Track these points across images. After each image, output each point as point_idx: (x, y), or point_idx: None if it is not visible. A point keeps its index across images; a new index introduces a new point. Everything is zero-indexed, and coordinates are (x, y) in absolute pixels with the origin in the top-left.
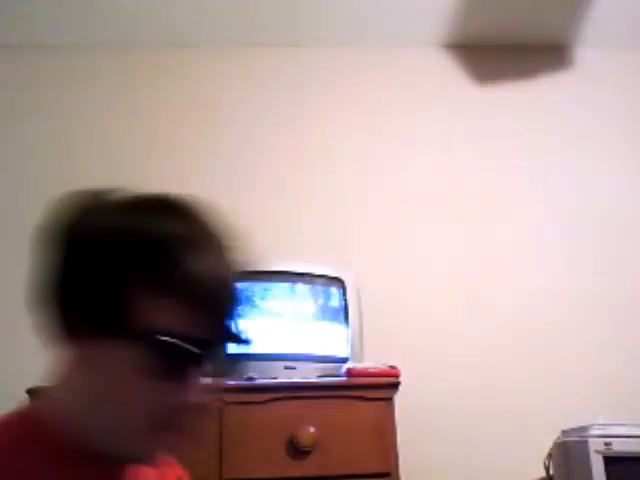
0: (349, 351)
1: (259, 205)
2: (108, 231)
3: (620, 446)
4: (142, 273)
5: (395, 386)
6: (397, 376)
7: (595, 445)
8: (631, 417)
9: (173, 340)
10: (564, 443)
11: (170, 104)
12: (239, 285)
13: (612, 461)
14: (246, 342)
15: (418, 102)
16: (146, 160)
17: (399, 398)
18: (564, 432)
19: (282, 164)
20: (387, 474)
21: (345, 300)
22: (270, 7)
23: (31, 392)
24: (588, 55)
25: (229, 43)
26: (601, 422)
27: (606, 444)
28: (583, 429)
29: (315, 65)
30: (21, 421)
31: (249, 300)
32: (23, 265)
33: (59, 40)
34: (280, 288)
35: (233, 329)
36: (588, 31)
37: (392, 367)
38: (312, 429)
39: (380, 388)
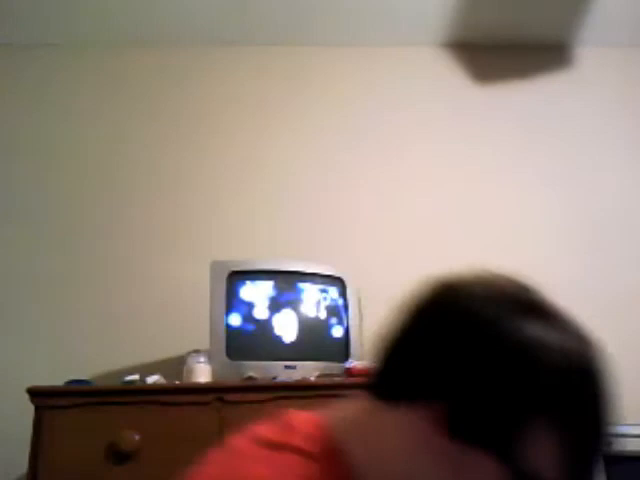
0: (349, 351)
1: (259, 205)
2: (490, 324)
3: (620, 446)
4: (550, 407)
5: None
6: None
7: None
8: (631, 417)
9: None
10: None
11: (170, 104)
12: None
13: (612, 461)
14: None
15: (418, 102)
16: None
17: None
18: None
19: (282, 163)
20: None
21: (345, 300)
22: (270, 7)
23: (31, 392)
24: (588, 55)
25: (229, 43)
26: None
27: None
28: None
29: (315, 65)
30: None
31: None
32: (23, 265)
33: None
34: (280, 288)
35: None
36: (588, 31)
37: None
38: None
39: None
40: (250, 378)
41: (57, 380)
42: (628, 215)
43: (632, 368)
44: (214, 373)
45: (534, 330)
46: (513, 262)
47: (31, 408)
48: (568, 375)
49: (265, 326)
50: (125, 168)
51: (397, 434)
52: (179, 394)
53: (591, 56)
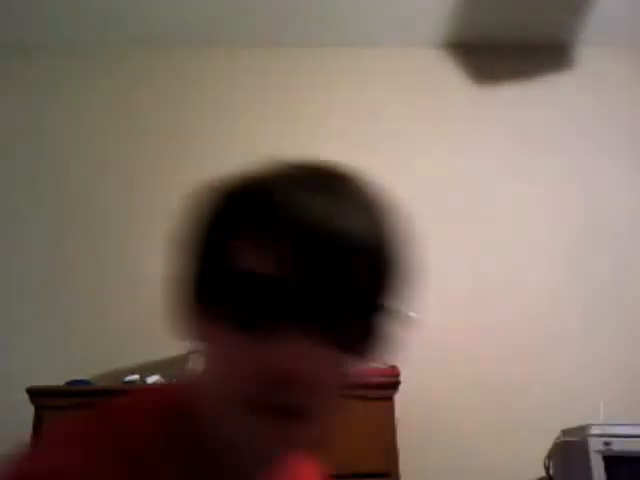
0: None
1: None
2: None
3: (620, 446)
4: (239, 216)
5: (395, 386)
6: (397, 376)
7: (595, 445)
8: (631, 416)
9: (254, 278)
10: (564, 443)
11: (171, 103)
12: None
13: (612, 461)
14: (377, 311)
15: (418, 102)
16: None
17: (399, 398)
18: (564, 432)
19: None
20: (387, 474)
21: None
22: (270, 8)
23: (31, 392)
24: (588, 55)
25: (229, 43)
26: (602, 410)
27: (606, 444)
28: (583, 429)
29: (315, 65)
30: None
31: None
32: (23, 265)
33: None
34: None
35: (353, 283)
36: (588, 31)
37: (392, 367)
38: None
39: (380, 388)
40: None
41: (57, 380)
42: (630, 213)
43: (632, 368)
44: None
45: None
46: (513, 262)
47: (31, 408)
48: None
49: None
50: (125, 168)
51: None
52: None
53: (591, 56)
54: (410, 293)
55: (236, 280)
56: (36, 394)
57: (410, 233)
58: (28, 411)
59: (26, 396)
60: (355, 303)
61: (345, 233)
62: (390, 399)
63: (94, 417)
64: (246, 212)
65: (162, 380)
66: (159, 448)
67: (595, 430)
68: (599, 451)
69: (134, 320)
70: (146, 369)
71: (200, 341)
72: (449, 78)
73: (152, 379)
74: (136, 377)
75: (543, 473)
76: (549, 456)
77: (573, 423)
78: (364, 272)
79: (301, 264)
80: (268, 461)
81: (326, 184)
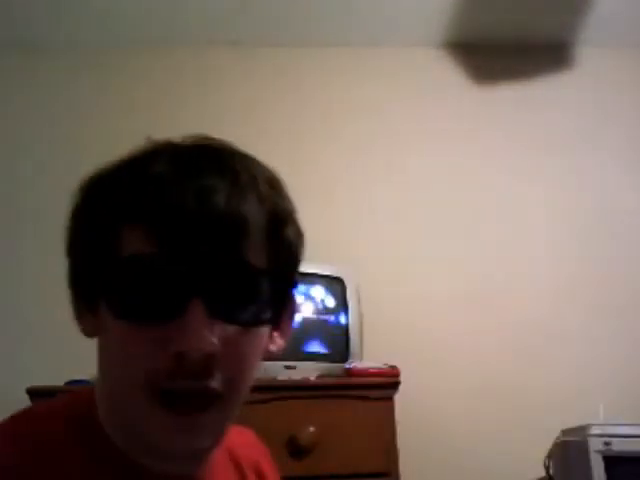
0: (349, 351)
1: None
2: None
3: (620, 446)
4: (115, 204)
5: (395, 386)
6: (397, 376)
7: (595, 445)
8: (631, 416)
9: (136, 260)
10: (564, 443)
11: (170, 104)
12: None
13: (612, 461)
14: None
15: (418, 102)
16: None
17: (399, 398)
18: (564, 432)
19: (282, 162)
20: (387, 474)
21: (345, 300)
22: (270, 7)
23: (31, 392)
24: (588, 55)
25: (229, 43)
26: (602, 413)
27: (606, 444)
28: (583, 429)
29: (315, 65)
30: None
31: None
32: (23, 265)
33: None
34: None
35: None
36: (588, 30)
37: (392, 367)
38: (312, 429)
39: (380, 388)
40: None
41: (57, 380)
42: (631, 213)
43: (633, 368)
44: None
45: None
46: (513, 261)
47: None
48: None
49: None
50: None
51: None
52: None
53: (591, 56)
54: (296, 262)
55: (122, 266)
56: (36, 394)
57: (292, 205)
58: None
59: (26, 396)
60: (233, 271)
61: (213, 206)
62: (390, 399)
63: (22, 419)
64: (119, 196)
65: None
66: (79, 455)
67: (595, 430)
68: (599, 451)
69: None
70: None
71: (100, 335)
72: (449, 78)
73: None
74: None
75: (543, 473)
76: (549, 456)
77: (573, 423)
78: (237, 240)
79: (178, 240)
80: (192, 462)
81: (194, 159)
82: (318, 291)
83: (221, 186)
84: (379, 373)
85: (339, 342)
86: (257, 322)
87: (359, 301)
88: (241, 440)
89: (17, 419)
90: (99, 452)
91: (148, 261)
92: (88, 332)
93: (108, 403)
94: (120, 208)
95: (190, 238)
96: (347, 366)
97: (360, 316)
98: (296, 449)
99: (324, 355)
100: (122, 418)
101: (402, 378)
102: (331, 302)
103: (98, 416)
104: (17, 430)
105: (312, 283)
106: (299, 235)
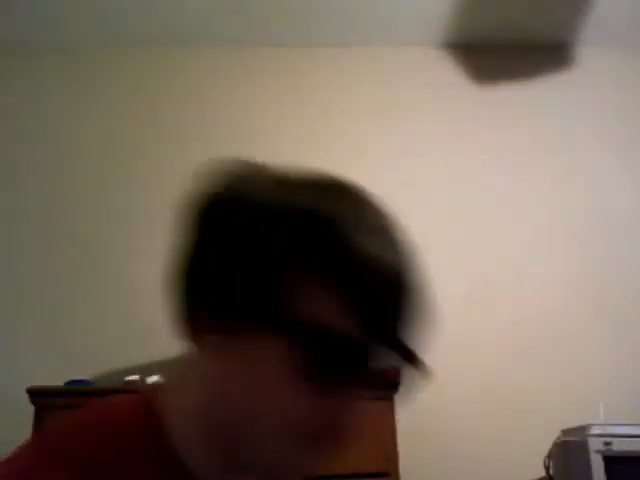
0: None
1: None
2: (261, 203)
3: (620, 446)
4: (304, 253)
5: (395, 386)
6: (397, 376)
7: (595, 445)
8: (631, 416)
9: (336, 336)
10: (564, 443)
11: (169, 104)
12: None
13: (612, 461)
14: (414, 359)
15: (418, 102)
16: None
17: (399, 398)
18: (564, 432)
19: (282, 162)
20: (387, 474)
21: None
22: (270, 7)
23: (31, 392)
24: (588, 54)
25: (229, 43)
26: (602, 413)
27: (606, 444)
28: (583, 429)
29: (315, 65)
30: (132, 420)
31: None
32: (23, 264)
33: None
34: None
35: (406, 336)
36: (588, 30)
37: (392, 367)
38: None
39: (380, 388)
40: None
41: (57, 380)
42: (631, 213)
43: (633, 368)
44: None
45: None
46: (513, 261)
47: (31, 408)
48: (314, 219)
49: None
50: (125, 168)
51: (196, 370)
52: None
53: (591, 56)
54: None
55: (303, 327)
56: (36, 394)
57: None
58: (28, 411)
59: (26, 396)
60: (400, 349)
61: (405, 279)
62: (390, 399)
63: (76, 431)
64: (311, 249)
65: (162, 380)
66: (143, 469)
67: (595, 430)
68: (599, 451)
69: (134, 320)
70: (146, 369)
71: (234, 356)
72: (449, 78)
73: (152, 379)
74: (136, 377)
75: (543, 473)
76: (549, 456)
77: (573, 423)
78: (411, 318)
79: (380, 323)
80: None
81: (379, 221)
82: None
83: (412, 264)
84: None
85: None
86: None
87: None
88: None
89: (71, 434)
90: (169, 471)
91: (355, 339)
92: (197, 340)
93: (212, 430)
94: (315, 262)
95: (396, 318)
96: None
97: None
98: None
99: None
100: (233, 449)
101: (402, 378)
102: None
103: (167, 431)
104: (78, 448)
105: None
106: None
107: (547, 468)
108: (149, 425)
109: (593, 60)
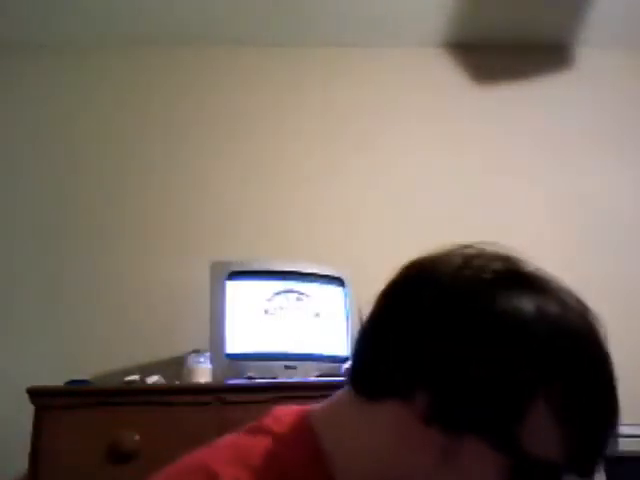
0: (349, 351)
1: (259, 205)
2: (515, 317)
3: (620, 446)
4: (553, 387)
5: None
6: None
7: None
8: (631, 416)
9: (547, 465)
10: None
11: (169, 103)
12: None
13: (612, 461)
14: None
15: (418, 102)
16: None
17: None
18: None
19: (282, 162)
20: None
21: (345, 300)
22: (270, 7)
23: (31, 392)
24: (588, 55)
25: (229, 43)
26: None
27: None
28: None
29: (315, 65)
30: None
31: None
32: (23, 264)
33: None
34: (280, 287)
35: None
36: (588, 31)
37: None
38: None
39: None
40: (250, 378)
41: (57, 380)
42: (630, 213)
43: (633, 367)
44: (214, 373)
45: (521, 300)
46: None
47: (31, 408)
48: (564, 346)
49: (265, 326)
50: (124, 168)
51: (376, 430)
52: (179, 394)
53: (591, 56)
54: None
55: (522, 451)
56: (36, 394)
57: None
58: (28, 411)
59: (26, 396)
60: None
61: (612, 420)
62: None
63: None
64: (559, 377)
65: (162, 380)
66: None
67: None
68: None
69: (134, 320)
70: (146, 369)
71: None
72: (449, 78)
73: (152, 379)
74: (136, 377)
75: None
76: None
77: None
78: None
79: (584, 452)
80: None
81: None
82: (318, 290)
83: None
84: None
85: (339, 342)
86: None
87: (359, 300)
88: None
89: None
90: None
91: (561, 468)
92: (377, 398)
93: None
94: (556, 393)
95: (599, 454)
96: (347, 366)
97: (360, 315)
98: None
99: (324, 355)
100: None
101: None
102: (331, 302)
103: (326, 465)
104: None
105: (312, 282)
106: None
107: None
108: (317, 458)
109: (593, 60)
